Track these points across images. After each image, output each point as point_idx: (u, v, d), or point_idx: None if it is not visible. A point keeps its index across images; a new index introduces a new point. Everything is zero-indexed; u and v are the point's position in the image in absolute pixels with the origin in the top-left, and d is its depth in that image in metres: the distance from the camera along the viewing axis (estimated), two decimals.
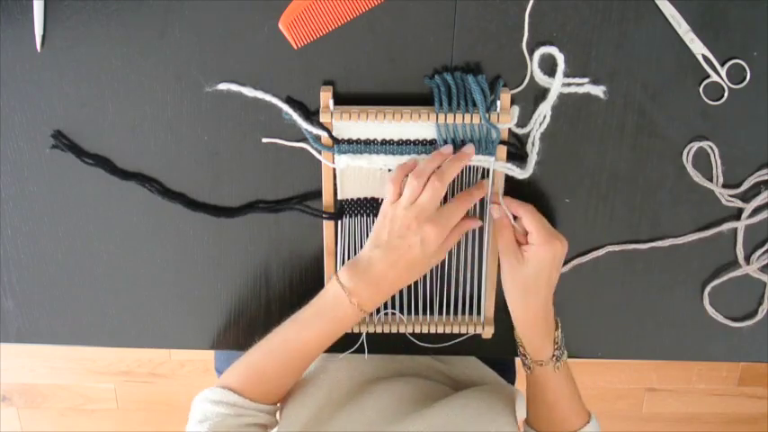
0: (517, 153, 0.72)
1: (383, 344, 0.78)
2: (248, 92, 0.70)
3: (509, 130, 0.71)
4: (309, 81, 0.70)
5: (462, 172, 0.71)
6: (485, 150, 0.70)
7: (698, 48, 0.69)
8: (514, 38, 0.69)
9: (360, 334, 0.77)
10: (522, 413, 0.81)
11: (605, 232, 0.76)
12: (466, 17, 0.68)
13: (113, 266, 0.77)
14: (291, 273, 0.77)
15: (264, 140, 0.72)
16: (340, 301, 0.68)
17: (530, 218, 0.68)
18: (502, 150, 0.71)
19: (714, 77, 0.70)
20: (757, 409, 1.84)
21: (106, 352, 1.72)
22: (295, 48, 0.69)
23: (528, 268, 0.69)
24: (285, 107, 0.70)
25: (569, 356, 0.81)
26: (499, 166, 0.71)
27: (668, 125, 0.72)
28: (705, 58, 0.70)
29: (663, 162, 0.74)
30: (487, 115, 0.68)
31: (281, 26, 0.68)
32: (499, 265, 0.74)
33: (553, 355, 0.72)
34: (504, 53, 0.70)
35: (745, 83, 0.71)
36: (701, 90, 0.71)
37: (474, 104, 0.68)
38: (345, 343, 0.75)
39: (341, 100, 0.70)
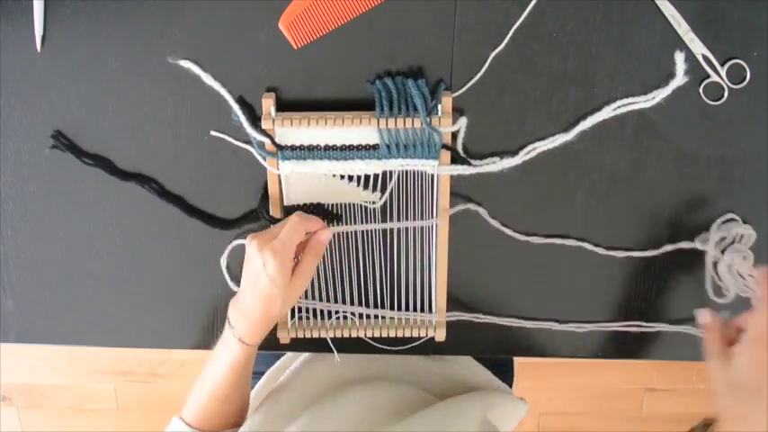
0: (459, 158, 0.72)
1: (354, 345, 0.78)
2: (207, 79, 0.69)
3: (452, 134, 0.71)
4: (309, 81, 0.70)
5: (407, 176, 0.72)
6: (428, 155, 0.70)
7: (698, 48, 0.69)
8: (515, 38, 0.69)
9: (318, 338, 0.77)
10: (506, 416, 0.81)
11: (605, 232, 0.76)
12: (466, 17, 0.68)
13: (113, 266, 0.77)
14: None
15: (212, 133, 0.71)
16: (228, 337, 0.69)
17: (753, 313, 0.58)
18: (446, 155, 0.70)
19: (714, 77, 0.70)
20: None
21: (106, 352, 1.71)
22: (295, 48, 0.69)
23: (736, 369, 0.57)
24: (235, 107, 0.70)
25: (569, 356, 0.81)
26: (444, 169, 0.71)
27: (668, 125, 0.72)
28: (705, 58, 0.70)
29: (663, 162, 0.74)
30: (429, 119, 0.68)
31: (281, 26, 0.68)
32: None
33: None
34: (503, 53, 0.70)
35: (745, 83, 0.71)
36: (700, 90, 0.71)
37: (416, 108, 0.68)
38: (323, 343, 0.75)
39: (339, 103, 0.70)
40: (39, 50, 0.69)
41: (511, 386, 1.01)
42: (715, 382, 0.59)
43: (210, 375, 0.71)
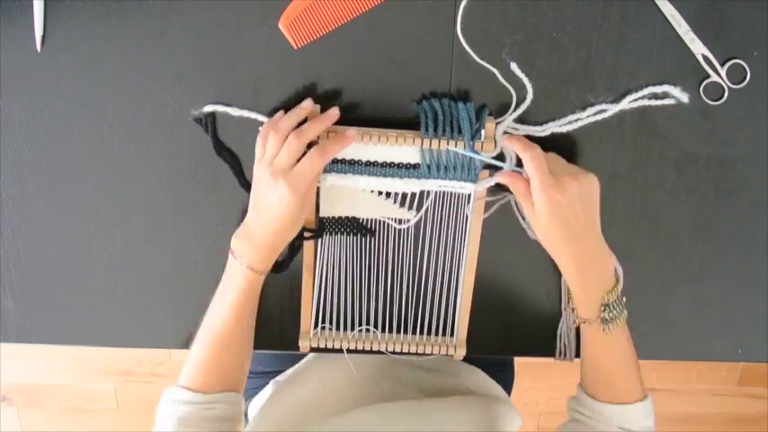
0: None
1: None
2: (234, 112, 0.70)
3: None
4: (309, 81, 0.70)
5: (444, 196, 0.72)
6: (467, 177, 0.70)
7: (698, 48, 0.69)
8: (515, 38, 0.69)
9: (338, 349, 0.78)
10: (507, 426, 0.81)
11: (605, 232, 0.76)
12: (466, 17, 0.68)
13: (113, 266, 0.77)
14: (291, 274, 0.77)
15: (261, 129, 0.71)
16: (235, 268, 0.69)
17: (528, 165, 0.65)
18: (484, 173, 0.71)
19: (714, 77, 0.70)
20: (757, 409, 1.84)
21: (106, 352, 1.71)
22: (295, 48, 0.69)
23: (539, 216, 0.65)
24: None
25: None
26: (481, 184, 0.71)
27: (668, 125, 0.72)
28: (705, 58, 0.70)
29: (663, 162, 0.74)
30: (472, 143, 0.68)
31: (281, 26, 0.68)
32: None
33: (599, 317, 0.67)
34: (503, 53, 0.69)
35: (745, 83, 0.71)
36: (701, 90, 0.71)
37: (459, 131, 0.68)
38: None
39: (339, 104, 0.70)
40: (39, 50, 0.69)
41: (511, 385, 1.01)
42: (533, 225, 0.68)
43: (214, 316, 0.70)
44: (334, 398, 0.81)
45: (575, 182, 0.65)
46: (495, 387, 0.90)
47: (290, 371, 0.89)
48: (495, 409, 0.81)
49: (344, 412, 0.77)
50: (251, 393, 0.95)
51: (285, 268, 0.76)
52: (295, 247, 0.75)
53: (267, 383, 0.93)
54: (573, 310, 0.70)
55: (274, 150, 0.66)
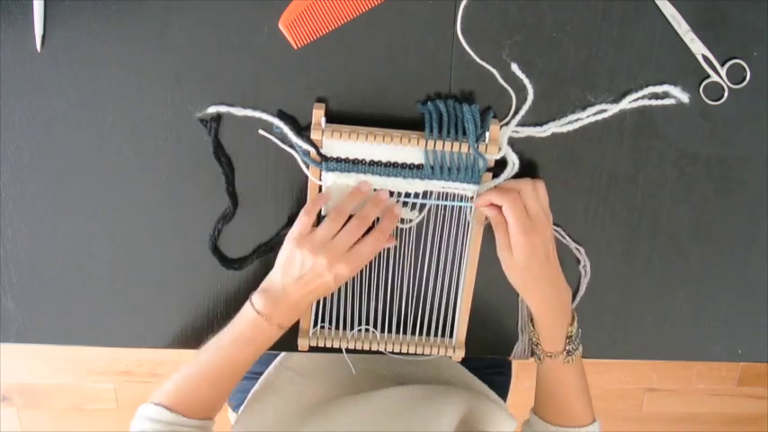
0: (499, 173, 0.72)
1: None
2: (238, 111, 0.70)
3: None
4: (309, 81, 0.70)
5: (447, 197, 0.72)
6: (470, 179, 0.70)
7: (698, 48, 0.69)
8: (514, 38, 0.69)
9: (338, 348, 0.78)
10: (487, 423, 0.81)
11: (605, 232, 0.76)
12: (466, 17, 0.68)
13: (113, 266, 0.77)
14: None
15: (260, 132, 0.71)
16: (259, 326, 0.70)
17: (506, 209, 0.66)
18: (487, 176, 0.71)
19: (714, 77, 0.70)
20: (757, 409, 1.84)
21: (106, 352, 1.71)
22: (295, 48, 0.69)
23: (517, 259, 0.68)
24: (276, 121, 0.70)
25: None
26: (483, 186, 0.71)
27: (668, 125, 0.72)
28: (705, 58, 0.70)
29: (663, 162, 0.74)
30: (476, 145, 0.68)
31: (281, 26, 0.68)
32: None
33: (564, 349, 0.72)
34: (503, 53, 0.69)
35: (745, 83, 0.71)
36: (700, 90, 0.71)
37: (464, 133, 0.68)
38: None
39: (339, 104, 0.70)
40: (39, 50, 0.69)
41: (507, 388, 1.01)
42: (508, 270, 0.70)
43: (224, 357, 0.71)
44: (312, 401, 0.82)
45: (548, 222, 0.68)
46: (473, 380, 0.90)
47: (253, 390, 0.88)
48: (475, 403, 0.81)
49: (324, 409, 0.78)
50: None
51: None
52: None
53: None
54: (537, 344, 0.74)
55: (330, 232, 0.68)
